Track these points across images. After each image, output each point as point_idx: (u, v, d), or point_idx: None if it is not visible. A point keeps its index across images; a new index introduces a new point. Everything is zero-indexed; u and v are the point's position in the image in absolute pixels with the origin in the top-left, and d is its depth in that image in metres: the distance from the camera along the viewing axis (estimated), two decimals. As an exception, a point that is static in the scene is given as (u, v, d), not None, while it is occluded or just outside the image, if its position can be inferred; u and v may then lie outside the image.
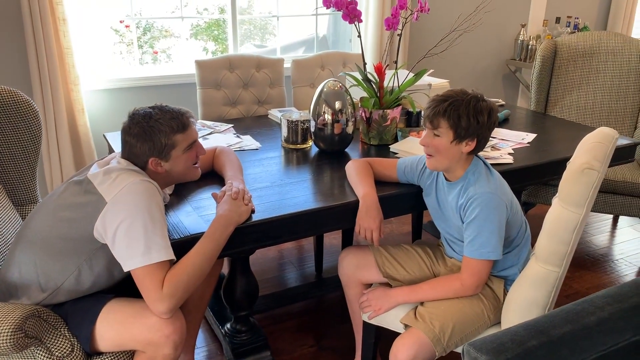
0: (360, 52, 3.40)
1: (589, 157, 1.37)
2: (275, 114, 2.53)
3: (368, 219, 1.59)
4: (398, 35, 2.08)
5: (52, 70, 2.66)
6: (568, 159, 2.06)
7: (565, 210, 1.37)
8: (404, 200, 1.78)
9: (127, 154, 1.46)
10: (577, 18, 4.13)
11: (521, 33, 4.02)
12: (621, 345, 0.95)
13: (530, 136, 2.29)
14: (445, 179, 1.64)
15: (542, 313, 1.48)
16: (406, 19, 2.04)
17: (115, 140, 2.19)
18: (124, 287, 1.53)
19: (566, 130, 2.40)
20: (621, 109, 3.07)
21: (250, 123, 2.50)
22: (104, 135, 2.27)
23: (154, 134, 1.42)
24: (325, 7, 2.08)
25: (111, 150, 2.20)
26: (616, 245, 3.10)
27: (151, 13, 3.48)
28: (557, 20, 4.15)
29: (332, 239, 3.07)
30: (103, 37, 3.21)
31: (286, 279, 2.70)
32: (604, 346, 0.94)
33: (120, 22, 3.63)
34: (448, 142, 1.51)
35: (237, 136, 2.25)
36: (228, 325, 2.02)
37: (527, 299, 1.47)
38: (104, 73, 3.02)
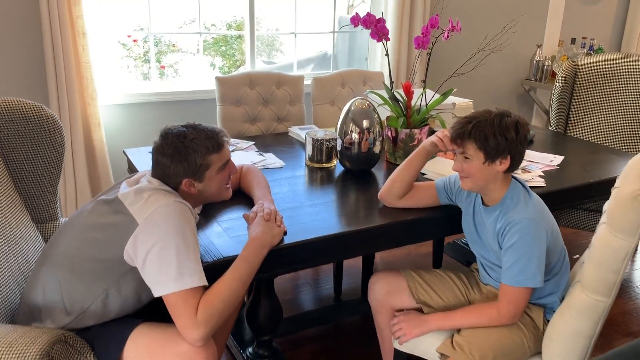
0: (379, 70, 3.39)
1: (640, 183, 1.32)
2: (295, 131, 2.49)
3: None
4: (428, 54, 2.05)
5: (69, 84, 2.62)
6: (602, 182, 2.04)
7: (615, 238, 1.32)
8: (436, 223, 1.73)
9: (159, 174, 1.41)
10: (593, 39, 4.12)
11: (537, 53, 4.00)
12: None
13: (559, 158, 2.24)
14: (482, 202, 1.59)
15: (588, 343, 1.42)
16: (436, 38, 2.00)
17: (135, 156, 2.15)
18: (152, 310, 1.47)
19: (593, 152, 2.36)
20: (643, 131, 3.03)
21: (270, 140, 2.46)
22: (123, 151, 2.22)
23: (188, 154, 1.37)
24: (352, 25, 2.05)
25: (131, 166, 2.15)
26: (637, 270, 3.05)
27: (159, 28, 3.44)
28: (573, 41, 4.13)
29: (351, 259, 3.01)
30: (115, 51, 3.18)
31: (304, 301, 2.63)
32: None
33: (128, 36, 3.61)
34: (480, 164, 1.47)
35: (260, 154, 2.21)
36: (250, 350, 1.96)
37: (572, 329, 1.41)
38: (119, 87, 2.99)
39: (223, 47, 5.44)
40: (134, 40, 4.32)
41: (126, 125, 2.97)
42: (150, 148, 2.25)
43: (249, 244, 1.39)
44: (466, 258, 2.94)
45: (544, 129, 3.05)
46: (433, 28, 1.94)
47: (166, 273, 1.27)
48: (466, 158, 1.48)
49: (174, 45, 4.82)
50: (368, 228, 1.59)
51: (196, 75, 3.44)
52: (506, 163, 1.47)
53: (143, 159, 2.12)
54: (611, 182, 2.03)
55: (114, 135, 2.95)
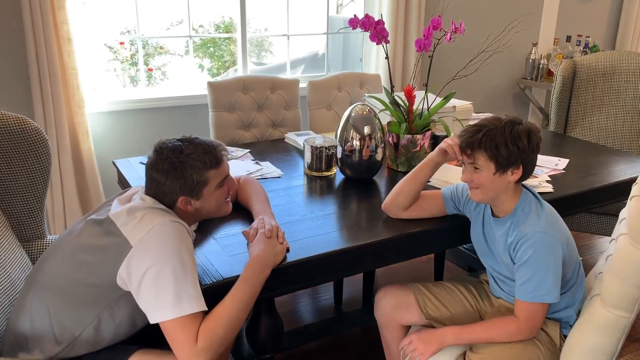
0: (374, 72, 3.31)
1: (662, 192, 1.25)
2: (292, 137, 2.41)
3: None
4: (429, 57, 1.97)
5: (55, 92, 2.52)
6: (611, 186, 1.97)
7: (638, 251, 1.25)
8: (445, 234, 1.65)
9: (153, 191, 1.32)
10: (588, 37, 4.07)
11: (532, 52, 3.95)
12: None
13: (564, 161, 2.18)
14: (492, 213, 1.51)
15: (609, 362, 1.35)
16: (439, 40, 1.93)
17: (126, 168, 2.05)
18: (148, 335, 1.38)
19: (596, 154, 2.29)
20: (644, 130, 2.99)
21: (266, 147, 2.37)
22: (113, 162, 2.13)
23: (185, 170, 1.28)
24: (350, 27, 1.97)
25: (121, 178, 2.06)
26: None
27: (147, 30, 3.35)
28: (568, 38, 4.08)
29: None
30: (101, 56, 3.08)
31: (303, 312, 2.55)
32: None
33: (116, 41, 3.50)
34: (491, 175, 1.39)
35: (256, 163, 2.12)
36: (250, 368, 1.88)
37: (592, 346, 1.34)
38: (107, 94, 2.89)
39: (211, 49, 5.34)
40: (121, 43, 4.20)
41: (115, 133, 2.87)
42: (141, 158, 2.16)
43: (250, 264, 1.31)
44: (468, 263, 2.87)
45: (542, 129, 2.99)
46: (435, 30, 1.87)
47: (163, 299, 1.19)
48: (476, 168, 1.40)
49: (161, 47, 4.71)
50: (374, 242, 1.51)
51: (185, 78, 3.35)
52: (518, 173, 1.40)
53: (134, 171, 2.02)
54: (620, 185, 1.98)
55: (103, 145, 2.85)
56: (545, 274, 1.37)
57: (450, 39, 1.90)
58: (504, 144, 1.36)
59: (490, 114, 2.90)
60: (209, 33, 4.33)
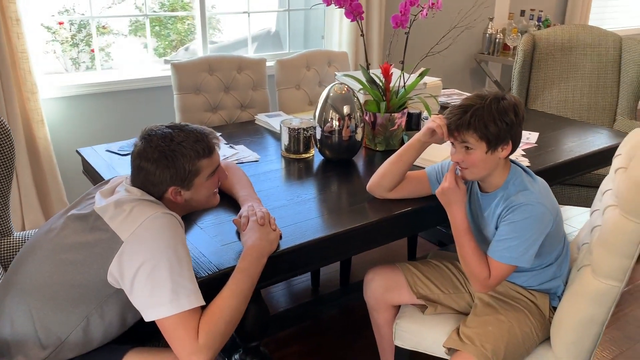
0: (339, 50, 3.26)
1: (651, 163, 1.28)
2: (263, 119, 2.34)
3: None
4: (406, 33, 1.94)
5: (4, 77, 2.34)
6: (586, 157, 2.02)
7: (629, 222, 1.28)
8: (433, 212, 1.65)
9: (141, 181, 1.24)
10: (541, 11, 4.16)
11: (489, 27, 4.00)
12: None
13: (534, 135, 2.22)
14: (480, 189, 1.52)
15: (600, 330, 1.40)
16: (415, 16, 1.90)
17: (92, 157, 1.94)
18: (138, 331, 1.32)
19: (563, 127, 2.35)
20: (600, 101, 3.09)
21: (237, 130, 2.30)
22: (77, 151, 2.00)
23: (176, 159, 1.21)
24: (325, 5, 1.91)
25: (87, 168, 1.95)
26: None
27: (86, 9, 3.15)
28: (522, 13, 4.16)
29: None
30: (39, 38, 2.87)
31: (280, 296, 2.52)
32: None
33: (54, 20, 3.27)
34: (483, 154, 1.39)
35: (231, 146, 2.05)
36: (236, 356, 1.83)
37: (584, 316, 1.38)
38: (59, 79, 2.71)
39: (157, 27, 5.12)
40: (60, 23, 3.96)
41: (71, 120, 2.71)
42: (106, 145, 2.04)
43: (247, 253, 1.26)
44: (438, 238, 2.91)
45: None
46: (412, 5, 1.84)
47: (159, 295, 1.12)
48: (467, 148, 1.40)
49: (103, 27, 4.47)
50: (367, 224, 1.48)
51: (131, 59, 3.18)
52: (508, 149, 1.41)
53: (101, 159, 1.91)
54: (594, 156, 2.03)
55: (59, 133, 2.69)
56: (523, 240, 1.38)
57: (426, 15, 1.87)
58: (492, 122, 1.36)
59: (458, 90, 2.92)
60: (165, 11, 4.13)
